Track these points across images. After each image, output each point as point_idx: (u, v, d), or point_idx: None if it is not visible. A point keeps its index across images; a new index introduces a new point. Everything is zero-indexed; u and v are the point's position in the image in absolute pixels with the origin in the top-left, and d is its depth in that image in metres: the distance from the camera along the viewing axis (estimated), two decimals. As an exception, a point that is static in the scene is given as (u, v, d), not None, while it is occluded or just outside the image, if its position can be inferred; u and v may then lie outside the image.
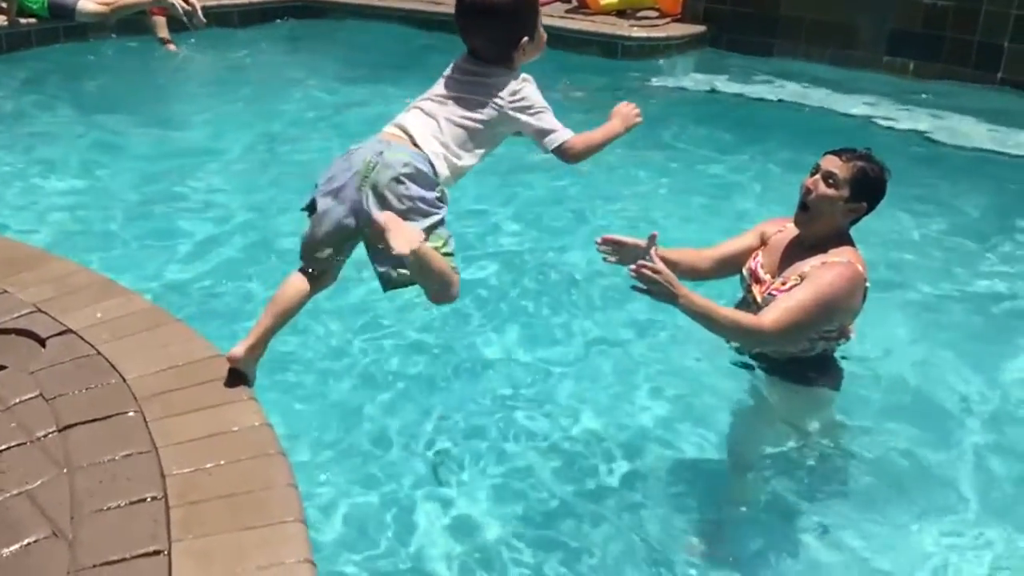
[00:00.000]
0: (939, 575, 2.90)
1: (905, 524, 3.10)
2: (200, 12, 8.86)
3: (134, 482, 2.38)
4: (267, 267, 4.44)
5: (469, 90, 2.56)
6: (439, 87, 2.62)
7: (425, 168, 2.45)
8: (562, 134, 2.60)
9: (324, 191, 2.52)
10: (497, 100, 2.55)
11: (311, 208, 2.59)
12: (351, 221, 2.50)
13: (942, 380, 3.86)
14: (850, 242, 3.14)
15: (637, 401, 3.67)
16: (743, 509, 3.18)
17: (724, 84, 8.18)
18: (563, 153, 2.62)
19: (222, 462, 2.46)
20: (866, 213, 3.13)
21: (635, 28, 8.82)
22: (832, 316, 3.04)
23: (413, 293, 2.80)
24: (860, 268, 3.05)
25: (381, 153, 2.45)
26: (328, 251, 2.58)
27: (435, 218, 2.46)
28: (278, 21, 9.39)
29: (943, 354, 4.06)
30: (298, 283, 2.62)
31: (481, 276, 4.52)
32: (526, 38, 2.57)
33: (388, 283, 2.57)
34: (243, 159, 6.10)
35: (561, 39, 8.77)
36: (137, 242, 4.78)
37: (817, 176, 3.05)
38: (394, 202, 2.39)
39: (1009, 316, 4.49)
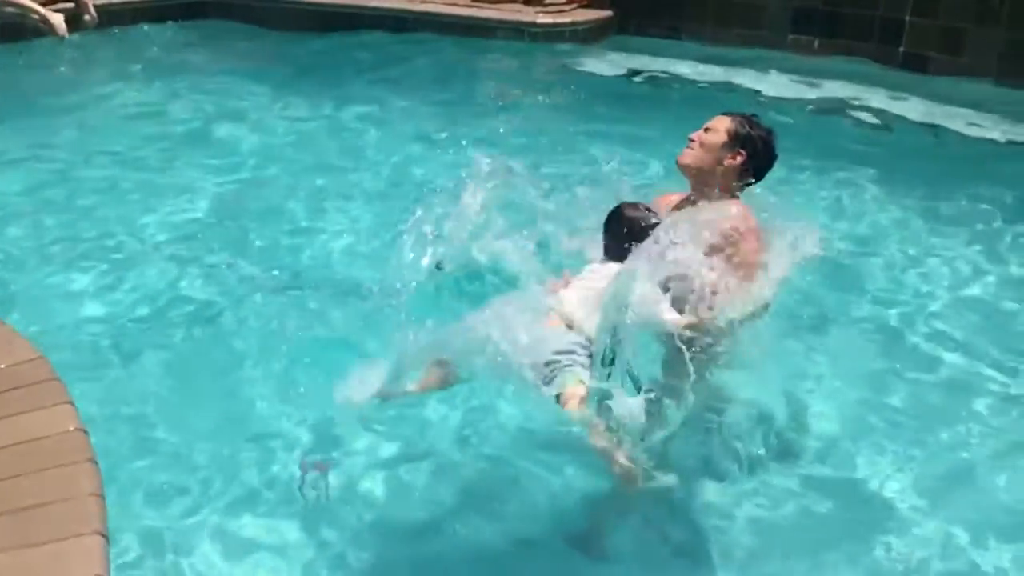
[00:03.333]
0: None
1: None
2: (91, 7, 8.57)
3: (-85, 501, 2.15)
4: (115, 265, 4.31)
5: None
6: None
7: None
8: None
9: None
10: None
11: None
12: None
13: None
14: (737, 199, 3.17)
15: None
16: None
17: (631, 68, 8.07)
18: None
19: (21, 473, 2.24)
20: (752, 172, 3.15)
21: (540, 14, 8.67)
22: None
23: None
24: (752, 218, 3.06)
25: None
26: None
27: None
28: (169, 22, 9.05)
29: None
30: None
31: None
32: None
33: None
34: (102, 159, 5.86)
35: (467, 27, 8.68)
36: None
37: (700, 130, 3.22)
38: None
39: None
